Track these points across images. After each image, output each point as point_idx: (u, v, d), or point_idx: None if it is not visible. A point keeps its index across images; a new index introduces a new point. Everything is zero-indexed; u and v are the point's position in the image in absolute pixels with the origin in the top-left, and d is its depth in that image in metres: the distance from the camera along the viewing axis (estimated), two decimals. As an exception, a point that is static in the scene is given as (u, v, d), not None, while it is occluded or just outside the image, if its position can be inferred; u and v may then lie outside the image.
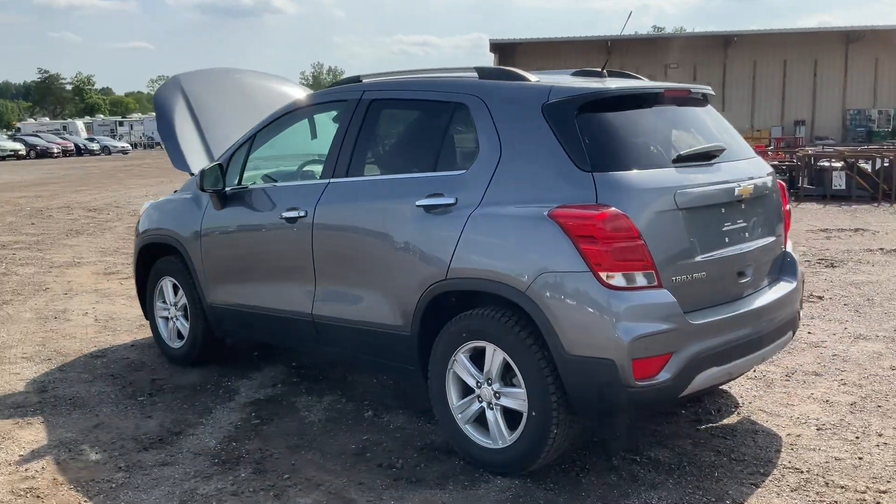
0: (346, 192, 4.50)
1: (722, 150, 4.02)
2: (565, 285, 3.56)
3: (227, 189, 5.19)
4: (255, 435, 4.49)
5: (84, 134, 65.80)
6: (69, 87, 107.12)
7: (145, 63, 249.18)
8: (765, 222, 4.24)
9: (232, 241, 5.23)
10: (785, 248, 4.46)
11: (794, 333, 4.42)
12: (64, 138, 56.99)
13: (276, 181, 5.15)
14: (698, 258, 3.73)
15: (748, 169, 4.18)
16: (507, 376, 3.85)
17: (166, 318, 5.90)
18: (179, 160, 5.82)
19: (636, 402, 3.59)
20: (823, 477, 3.86)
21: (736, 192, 3.91)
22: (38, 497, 3.78)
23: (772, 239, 4.26)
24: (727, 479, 3.84)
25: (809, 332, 6.36)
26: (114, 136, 67.30)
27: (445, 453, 4.17)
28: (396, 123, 4.72)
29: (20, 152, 48.51)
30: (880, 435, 4.33)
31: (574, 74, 4.47)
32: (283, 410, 4.86)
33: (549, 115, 3.79)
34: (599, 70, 4.42)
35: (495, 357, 3.84)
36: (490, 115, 3.98)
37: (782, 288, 4.26)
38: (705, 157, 3.96)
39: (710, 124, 4.33)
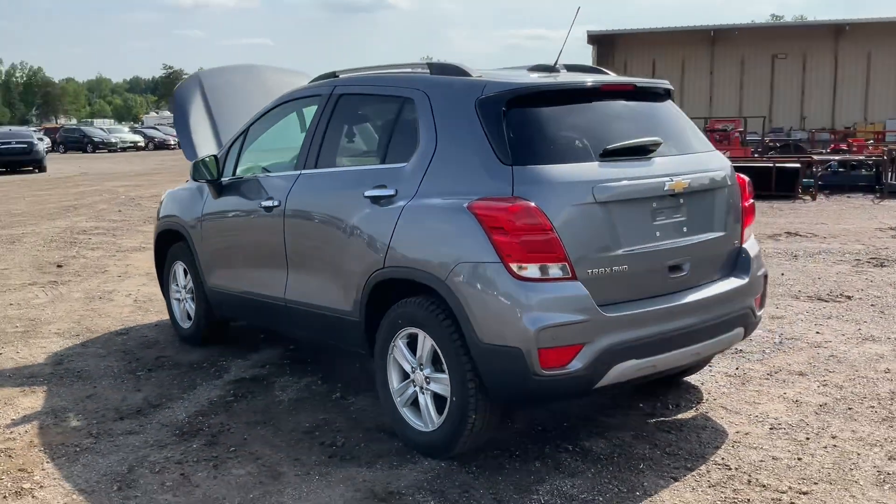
0: (312, 184, 4.73)
1: (658, 145, 4.01)
2: (478, 275, 3.67)
3: (222, 180, 5.51)
4: (224, 410, 4.78)
5: (200, 126, 68.74)
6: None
7: (265, 58, 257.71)
8: (711, 217, 4.20)
9: (224, 229, 5.55)
10: (742, 243, 4.40)
11: (746, 330, 4.36)
12: (180, 130, 59.70)
13: (269, 172, 5.42)
14: (619, 252, 3.76)
15: (693, 164, 4.16)
16: (437, 362, 3.98)
17: (178, 300, 6.29)
18: (191, 153, 6.19)
19: (546, 390, 3.67)
20: (749, 475, 3.82)
21: (666, 187, 3.90)
22: (9, 457, 4.17)
23: (719, 234, 4.22)
24: (650, 472, 3.86)
25: (817, 332, 6.19)
26: (227, 129, 69.85)
27: (390, 435, 4.33)
28: (357, 117, 4.90)
29: (139, 144, 51.37)
30: (834, 437, 4.23)
31: (529, 70, 4.55)
32: (260, 389, 5.14)
33: (480, 109, 3.90)
34: (552, 65, 4.47)
35: (425, 343, 3.99)
36: (431, 108, 4.11)
37: (728, 284, 4.21)
38: (639, 151, 3.97)
39: (660, 119, 4.32)
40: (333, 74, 5.07)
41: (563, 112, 4.00)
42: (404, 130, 4.30)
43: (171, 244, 6.30)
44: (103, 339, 6.40)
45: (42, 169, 28.81)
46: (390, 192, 4.13)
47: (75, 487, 3.81)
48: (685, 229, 4.04)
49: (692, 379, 5.13)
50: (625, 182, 3.79)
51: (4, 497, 3.75)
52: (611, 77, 4.33)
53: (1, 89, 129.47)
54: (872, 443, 4.16)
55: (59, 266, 9.64)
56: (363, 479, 3.85)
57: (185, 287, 6.17)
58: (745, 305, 4.28)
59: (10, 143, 28.50)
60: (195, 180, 5.51)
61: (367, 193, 4.23)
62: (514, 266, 3.59)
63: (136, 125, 73.85)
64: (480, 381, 3.76)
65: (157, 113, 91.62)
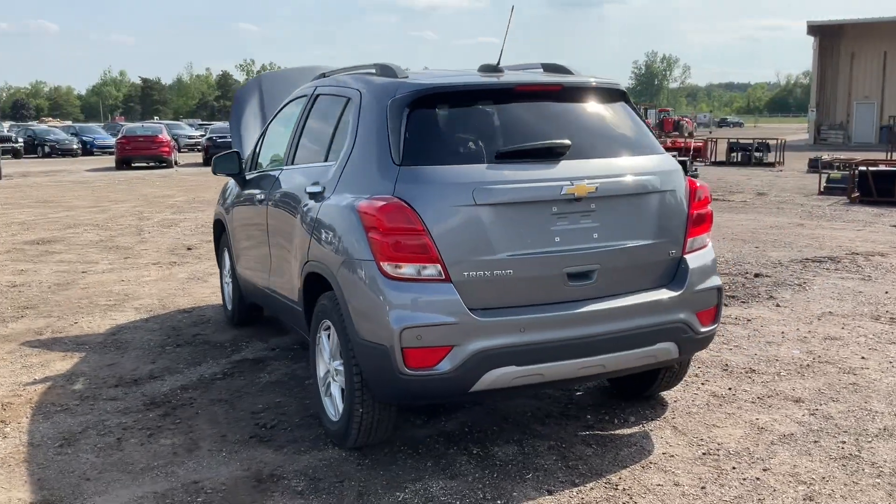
0: (285, 179, 5.01)
1: (566, 147, 3.86)
2: (357, 273, 3.76)
3: (246, 175, 5.93)
4: (204, 386, 5.17)
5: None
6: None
7: (491, 56, 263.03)
8: (634, 224, 3.98)
9: (240, 220, 5.98)
10: (683, 253, 4.12)
11: (682, 347, 4.06)
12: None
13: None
14: (503, 256, 3.68)
15: (613, 167, 3.95)
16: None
17: (227, 284, 6.81)
18: (246, 151, 6.67)
19: (416, 390, 3.68)
20: (631, 498, 3.61)
21: (564, 191, 3.75)
22: (3, 409, 4.80)
23: (644, 242, 3.98)
24: (531, 483, 3.76)
25: (862, 358, 5.57)
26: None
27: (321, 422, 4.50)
28: (322, 116, 5.05)
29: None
30: (765, 470, 3.87)
31: (479, 70, 4.51)
32: (251, 370, 5.49)
33: (390, 110, 3.97)
34: (495, 65, 4.41)
35: (333, 336, 4.13)
36: (359, 108, 4.23)
37: (652, 295, 3.97)
38: (544, 153, 3.85)
39: (595, 120, 4.17)
40: (323, 75, 5.31)
41: (469, 113, 3.98)
42: (343, 129, 4.44)
43: (223, 232, 6.84)
44: (166, 316, 7.07)
45: (251, 160, 31.53)
46: (320, 189, 4.30)
47: (28, 441, 4.34)
48: (595, 235, 3.86)
49: (669, 393, 4.86)
50: (510, 185, 3.70)
51: (-28, 443, 4.36)
52: (532, 78, 4.21)
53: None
54: (803, 480, 3.76)
55: (188, 249, 10.65)
56: (262, 460, 4.06)
57: (229, 272, 6.68)
58: (676, 319, 4.01)
59: (225, 136, 31.53)
60: (214, 174, 5.96)
61: (308, 189, 4.43)
62: (385, 265, 3.65)
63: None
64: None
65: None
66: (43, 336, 6.44)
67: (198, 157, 36.18)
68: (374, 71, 4.49)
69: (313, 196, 4.35)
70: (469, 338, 3.61)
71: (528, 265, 3.73)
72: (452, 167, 3.74)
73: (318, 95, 4.99)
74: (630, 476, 3.83)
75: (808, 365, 5.42)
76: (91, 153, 40.63)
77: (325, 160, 4.51)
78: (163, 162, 29.67)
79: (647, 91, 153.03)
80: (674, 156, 15.44)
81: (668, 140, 28.66)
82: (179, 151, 36.47)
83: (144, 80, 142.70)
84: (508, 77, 4.22)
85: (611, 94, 4.29)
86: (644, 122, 4.38)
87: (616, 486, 3.73)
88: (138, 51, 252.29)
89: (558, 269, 3.79)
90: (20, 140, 39.57)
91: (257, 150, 5.95)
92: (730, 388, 4.98)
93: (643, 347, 3.94)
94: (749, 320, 6.62)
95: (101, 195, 18.79)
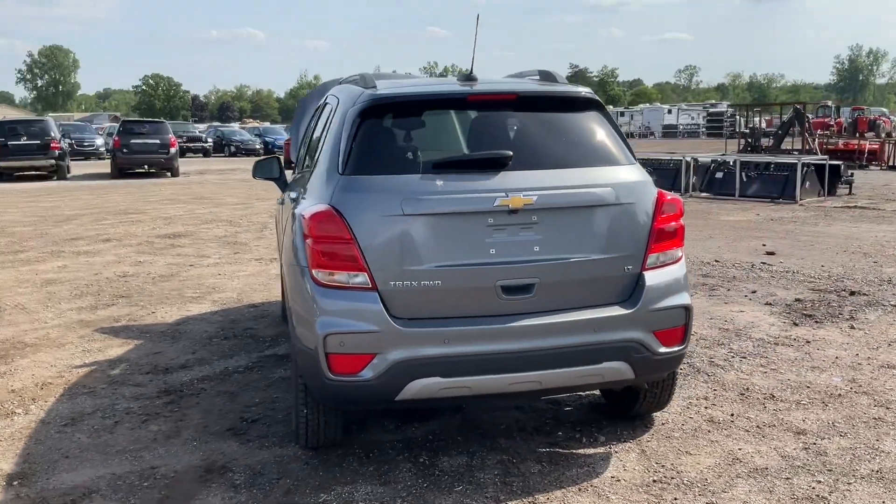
0: (292, 185, 5.23)
1: (507, 158, 3.78)
2: (297, 278, 3.89)
3: (288, 179, 6.23)
4: (221, 378, 5.49)
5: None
6: (595, 80, 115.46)
7: (679, 53, 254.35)
8: (583, 238, 3.83)
9: (278, 222, 6.27)
10: (642, 269, 3.92)
11: (637, 368, 3.86)
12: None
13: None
14: (430, 266, 3.67)
15: (559, 179, 3.82)
16: (306, 357, 4.24)
17: (283, 282, 7.17)
18: (294, 153, 7.00)
19: (343, 395, 3.76)
20: (545, 520, 3.51)
21: (497, 203, 3.68)
22: (41, 388, 5.33)
23: (595, 256, 3.82)
24: (456, 496, 3.73)
25: (909, 390, 5.04)
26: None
27: (302, 420, 4.67)
28: (321, 123, 5.19)
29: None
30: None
31: (457, 79, 4.51)
32: (272, 366, 5.75)
33: (349, 119, 4.07)
34: (469, 73, 4.38)
35: (295, 339, 4.29)
36: (332, 118, 4.37)
37: (600, 312, 3.81)
38: (482, 164, 3.79)
39: (553, 130, 4.06)
40: (338, 82, 5.47)
41: (420, 123, 4.00)
42: (322, 137, 4.58)
43: (283, 232, 7.20)
44: (234, 310, 7.51)
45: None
46: (297, 195, 4.47)
47: (43, 419, 4.80)
48: (536, 248, 3.76)
49: (662, 415, 4.65)
50: (439, 196, 3.68)
51: (-2, 416, 4.88)
52: (487, 87, 4.14)
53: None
54: (743, 518, 3.50)
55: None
56: (223, 452, 4.28)
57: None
58: (628, 338, 3.83)
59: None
60: (253, 177, 6.28)
61: (291, 195, 4.62)
62: (315, 272, 3.75)
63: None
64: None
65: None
66: (118, 323, 7.05)
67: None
68: (358, 80, 4.59)
69: (293, 202, 4.53)
70: (391, 347, 3.64)
71: (458, 276, 3.70)
72: (386, 177, 3.78)
73: (324, 105, 5.17)
74: (560, 498, 3.71)
75: (839, 395, 4.97)
76: (272, 152, 43.33)
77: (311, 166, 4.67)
78: (326, 161, 31.14)
79: (851, 88, 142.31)
80: (822, 159, 14.37)
81: (840, 142, 26.60)
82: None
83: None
84: (463, 87, 4.19)
85: (579, 104, 4.15)
86: (619, 132, 4.19)
87: (538, 506, 3.63)
88: (332, 55, 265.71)
89: (491, 282, 3.73)
90: (209, 140, 42.85)
91: (298, 155, 6.22)
92: (732, 414, 4.67)
93: (586, 366, 3.80)
94: (809, 342, 6.13)
95: (253, 193, 20.03)
